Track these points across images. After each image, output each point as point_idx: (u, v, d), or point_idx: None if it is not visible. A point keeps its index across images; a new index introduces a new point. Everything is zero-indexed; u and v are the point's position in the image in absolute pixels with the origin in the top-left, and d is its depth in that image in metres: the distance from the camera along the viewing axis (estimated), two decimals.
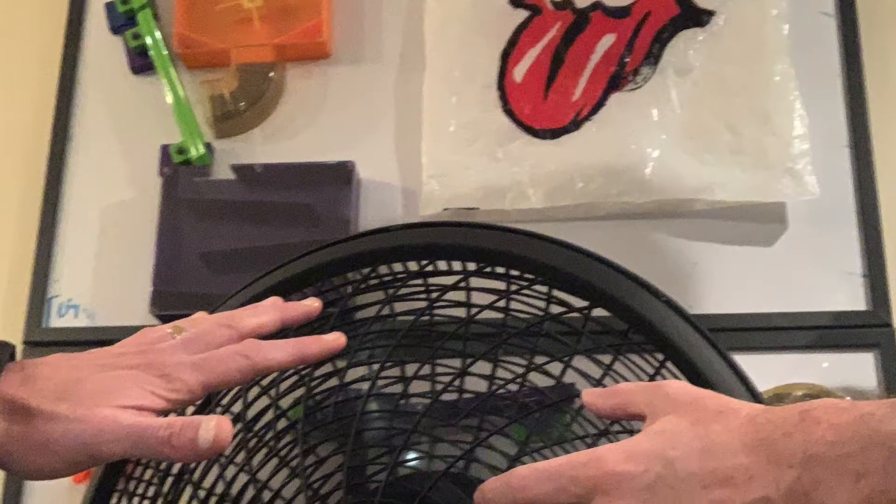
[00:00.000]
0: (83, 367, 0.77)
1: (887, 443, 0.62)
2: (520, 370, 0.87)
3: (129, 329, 0.86)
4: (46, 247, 1.17)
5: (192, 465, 0.91)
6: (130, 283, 1.13)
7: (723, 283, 1.07)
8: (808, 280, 1.06)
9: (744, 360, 0.82)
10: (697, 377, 0.80)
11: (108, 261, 1.16)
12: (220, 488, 0.90)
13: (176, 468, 0.93)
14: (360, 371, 0.93)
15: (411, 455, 0.90)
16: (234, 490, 0.90)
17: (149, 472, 0.93)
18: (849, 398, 0.93)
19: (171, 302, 1.09)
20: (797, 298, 1.05)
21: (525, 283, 0.88)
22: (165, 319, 0.97)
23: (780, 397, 0.98)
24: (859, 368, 1.03)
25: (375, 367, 0.90)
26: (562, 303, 0.88)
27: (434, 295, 0.91)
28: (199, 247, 1.10)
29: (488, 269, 0.89)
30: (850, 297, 1.06)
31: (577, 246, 0.86)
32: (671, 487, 0.67)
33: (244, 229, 1.11)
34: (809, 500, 0.64)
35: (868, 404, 0.65)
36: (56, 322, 1.14)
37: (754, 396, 0.79)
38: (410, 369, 0.92)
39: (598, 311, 0.85)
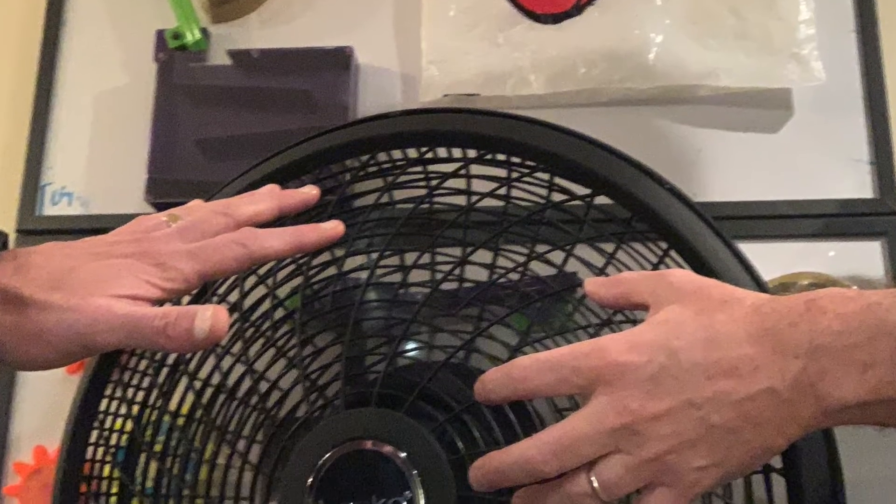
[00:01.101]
0: (77, 255, 0.75)
1: (895, 333, 0.62)
2: (521, 259, 0.85)
3: (123, 217, 0.84)
4: (40, 134, 1.14)
5: (188, 356, 0.91)
6: (125, 170, 1.11)
7: (727, 170, 1.05)
8: (815, 167, 1.04)
9: (749, 249, 0.79)
10: (702, 266, 0.78)
11: (102, 148, 1.14)
12: (216, 379, 0.90)
13: (171, 359, 0.92)
14: (359, 260, 0.91)
15: (411, 345, 0.89)
16: (231, 381, 0.89)
17: (144, 363, 0.92)
18: (855, 287, 0.91)
19: (166, 189, 1.07)
20: (803, 186, 1.03)
21: (526, 171, 0.85)
22: (161, 207, 0.97)
23: (785, 286, 0.97)
24: (866, 257, 1.01)
25: (374, 255, 0.88)
26: (564, 190, 0.85)
27: (434, 182, 0.89)
28: (195, 133, 1.08)
29: (489, 157, 0.86)
30: (856, 184, 1.04)
31: (580, 133, 0.83)
32: (675, 378, 0.66)
33: (241, 116, 1.08)
34: (815, 390, 0.63)
35: (875, 293, 0.64)
36: (49, 210, 1.13)
37: (759, 286, 0.77)
38: (410, 258, 0.90)
39: (601, 199, 0.82)
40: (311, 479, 0.80)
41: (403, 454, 0.78)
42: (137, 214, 0.82)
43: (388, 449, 0.79)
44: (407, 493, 0.78)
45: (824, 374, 0.63)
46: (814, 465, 0.73)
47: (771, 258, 0.93)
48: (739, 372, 0.65)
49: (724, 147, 1.06)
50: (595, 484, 0.67)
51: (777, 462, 0.73)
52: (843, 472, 0.73)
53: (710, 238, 0.79)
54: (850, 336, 0.63)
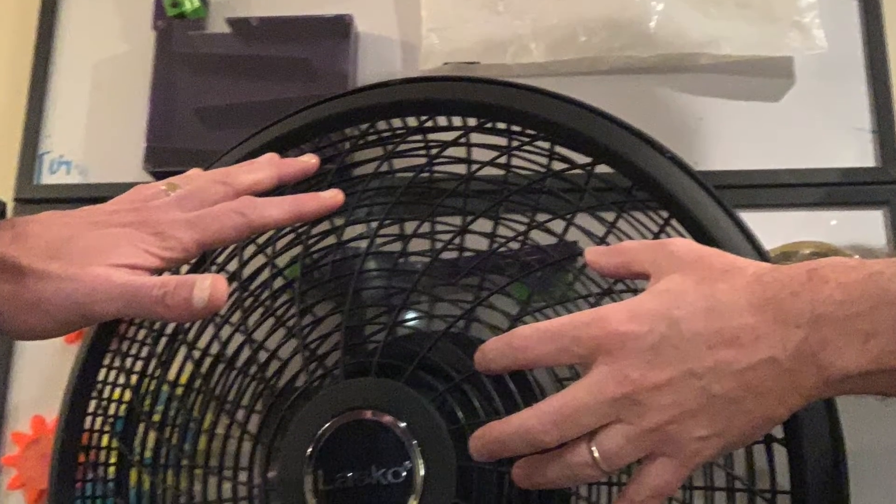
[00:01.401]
0: (75, 224, 0.75)
1: None
2: (521, 228, 0.84)
3: (122, 186, 0.83)
4: (38, 102, 1.13)
5: (187, 326, 0.90)
6: (123, 139, 1.10)
7: (729, 138, 1.04)
8: (816, 136, 1.03)
9: (750, 218, 0.78)
10: (703, 235, 0.77)
11: (100, 116, 1.13)
12: (215, 349, 0.89)
13: (170, 328, 0.91)
14: (358, 229, 0.89)
15: (410, 315, 0.88)
16: (230, 351, 0.88)
17: (142, 333, 0.92)
18: (857, 256, 0.91)
19: (165, 158, 1.06)
20: (805, 155, 1.03)
21: (527, 139, 0.84)
22: (159, 176, 0.96)
23: (787, 256, 0.96)
24: (868, 226, 1.00)
25: (374, 224, 0.87)
26: (564, 159, 0.84)
27: (433, 151, 0.87)
28: (193, 102, 1.07)
29: (489, 125, 0.85)
30: (858, 153, 1.03)
31: (580, 101, 0.82)
32: (675, 347, 0.65)
33: (240, 84, 1.07)
34: (817, 360, 0.63)
35: (877, 263, 0.64)
36: (48, 179, 1.12)
37: (761, 255, 0.76)
38: (410, 227, 0.89)
39: (602, 168, 0.81)
40: (310, 449, 0.79)
41: (403, 424, 0.77)
42: (136, 183, 0.82)
43: (387, 419, 0.78)
44: (407, 462, 0.77)
45: (826, 344, 0.63)
46: (815, 435, 0.72)
47: (772, 227, 0.92)
48: (741, 341, 0.64)
49: (726, 115, 1.05)
50: (596, 454, 0.67)
51: (779, 432, 0.72)
52: (846, 441, 0.73)
53: (711, 207, 0.78)
54: (852, 305, 0.62)
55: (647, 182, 0.79)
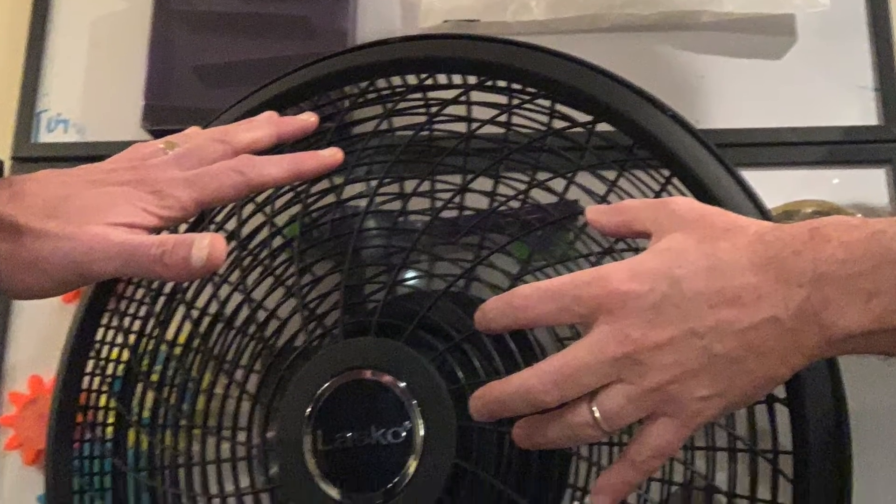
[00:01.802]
0: (73, 183, 0.73)
1: None
2: (522, 186, 0.83)
3: (120, 145, 0.81)
4: (35, 60, 1.12)
5: (185, 285, 0.89)
6: (121, 97, 1.08)
7: (730, 97, 1.02)
8: (819, 94, 1.02)
9: (752, 177, 0.77)
10: (704, 194, 0.76)
11: (98, 74, 1.12)
12: (213, 308, 0.88)
13: (168, 287, 0.90)
14: (358, 188, 0.88)
15: (410, 274, 0.87)
16: (228, 310, 0.87)
17: (140, 292, 0.91)
18: (860, 215, 0.90)
19: (163, 116, 1.04)
20: (807, 113, 1.01)
21: (527, 98, 0.82)
22: (157, 135, 0.96)
23: (789, 214, 0.95)
24: (871, 184, 0.99)
25: (373, 183, 0.86)
26: (565, 117, 0.82)
27: (433, 109, 0.86)
28: (192, 60, 1.05)
29: (489, 83, 0.83)
30: (861, 111, 1.01)
31: (581, 59, 0.80)
32: (677, 307, 0.64)
33: (238, 42, 1.05)
34: (819, 320, 0.62)
35: (879, 221, 0.62)
36: (45, 137, 1.10)
37: (763, 213, 0.75)
38: (410, 186, 0.88)
39: (603, 127, 0.80)
40: (309, 409, 0.78)
41: (403, 384, 0.77)
42: (134, 142, 0.80)
43: (387, 378, 0.77)
44: (406, 423, 0.76)
45: (828, 303, 0.62)
46: (818, 395, 0.71)
47: (774, 186, 0.91)
48: (742, 301, 0.63)
49: (727, 73, 1.03)
50: (596, 414, 0.66)
51: (781, 392, 0.72)
52: (848, 401, 0.72)
53: (712, 165, 0.77)
54: (855, 264, 0.61)
55: (648, 140, 0.78)
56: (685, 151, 0.77)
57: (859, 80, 1.02)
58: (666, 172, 0.79)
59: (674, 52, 1.04)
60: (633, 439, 0.67)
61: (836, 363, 0.72)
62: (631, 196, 0.80)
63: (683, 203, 0.70)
